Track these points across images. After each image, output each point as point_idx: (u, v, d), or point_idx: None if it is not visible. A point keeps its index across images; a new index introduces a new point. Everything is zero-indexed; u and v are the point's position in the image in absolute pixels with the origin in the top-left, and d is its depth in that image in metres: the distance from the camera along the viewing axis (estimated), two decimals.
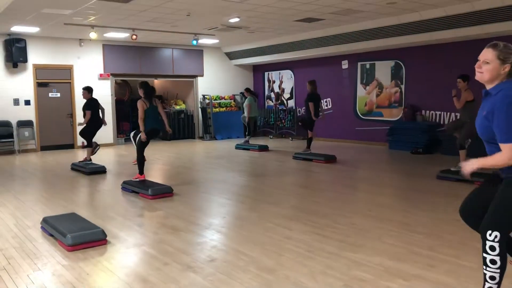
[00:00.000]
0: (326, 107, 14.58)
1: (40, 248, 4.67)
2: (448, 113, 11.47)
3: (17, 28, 11.74)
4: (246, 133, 13.64)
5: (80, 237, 4.58)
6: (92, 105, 9.89)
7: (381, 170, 9.43)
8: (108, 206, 6.65)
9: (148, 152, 13.34)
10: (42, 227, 5.25)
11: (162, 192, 6.97)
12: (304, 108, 11.32)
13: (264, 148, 12.60)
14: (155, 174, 9.43)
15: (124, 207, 6.54)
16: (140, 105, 7.42)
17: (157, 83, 18.65)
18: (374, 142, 13.27)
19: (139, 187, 7.18)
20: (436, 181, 7.81)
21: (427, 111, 12.01)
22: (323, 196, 7.29)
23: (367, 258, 4.16)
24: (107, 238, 4.80)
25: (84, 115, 9.87)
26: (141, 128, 7.48)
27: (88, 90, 9.94)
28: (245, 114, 13.40)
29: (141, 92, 7.57)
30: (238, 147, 13.19)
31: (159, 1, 8.92)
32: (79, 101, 13.90)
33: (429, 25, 10.40)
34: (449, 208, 5.97)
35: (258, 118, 13.51)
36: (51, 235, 4.97)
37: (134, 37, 12.40)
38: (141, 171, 7.70)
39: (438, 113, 11.75)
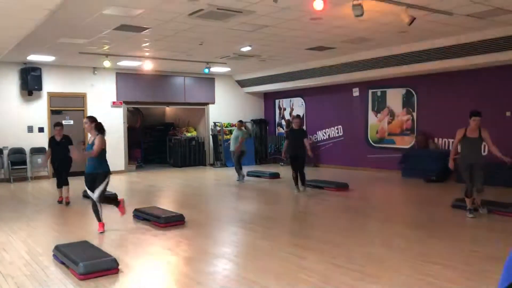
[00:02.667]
0: (338, 135, 14.57)
1: (51, 276, 4.64)
2: None
3: (33, 57, 12.00)
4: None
5: (92, 265, 4.55)
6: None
7: (395, 198, 9.33)
8: (120, 234, 6.61)
9: (159, 179, 13.45)
10: (54, 255, 5.22)
11: (174, 220, 6.92)
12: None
13: (275, 176, 12.55)
14: (166, 201, 9.40)
15: (136, 235, 6.49)
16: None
17: (168, 110, 18.85)
18: (386, 169, 13.16)
19: (151, 215, 7.15)
20: (451, 210, 7.67)
21: (440, 139, 11.93)
22: (336, 225, 7.19)
23: None
24: (119, 267, 4.75)
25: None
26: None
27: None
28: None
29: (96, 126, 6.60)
30: (249, 174, 13.15)
31: (172, 31, 9.07)
32: None
33: (441, 53, 10.43)
34: (465, 238, 5.86)
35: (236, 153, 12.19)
36: (63, 263, 4.94)
37: (147, 66, 12.58)
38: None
39: (450, 140, 11.65)
